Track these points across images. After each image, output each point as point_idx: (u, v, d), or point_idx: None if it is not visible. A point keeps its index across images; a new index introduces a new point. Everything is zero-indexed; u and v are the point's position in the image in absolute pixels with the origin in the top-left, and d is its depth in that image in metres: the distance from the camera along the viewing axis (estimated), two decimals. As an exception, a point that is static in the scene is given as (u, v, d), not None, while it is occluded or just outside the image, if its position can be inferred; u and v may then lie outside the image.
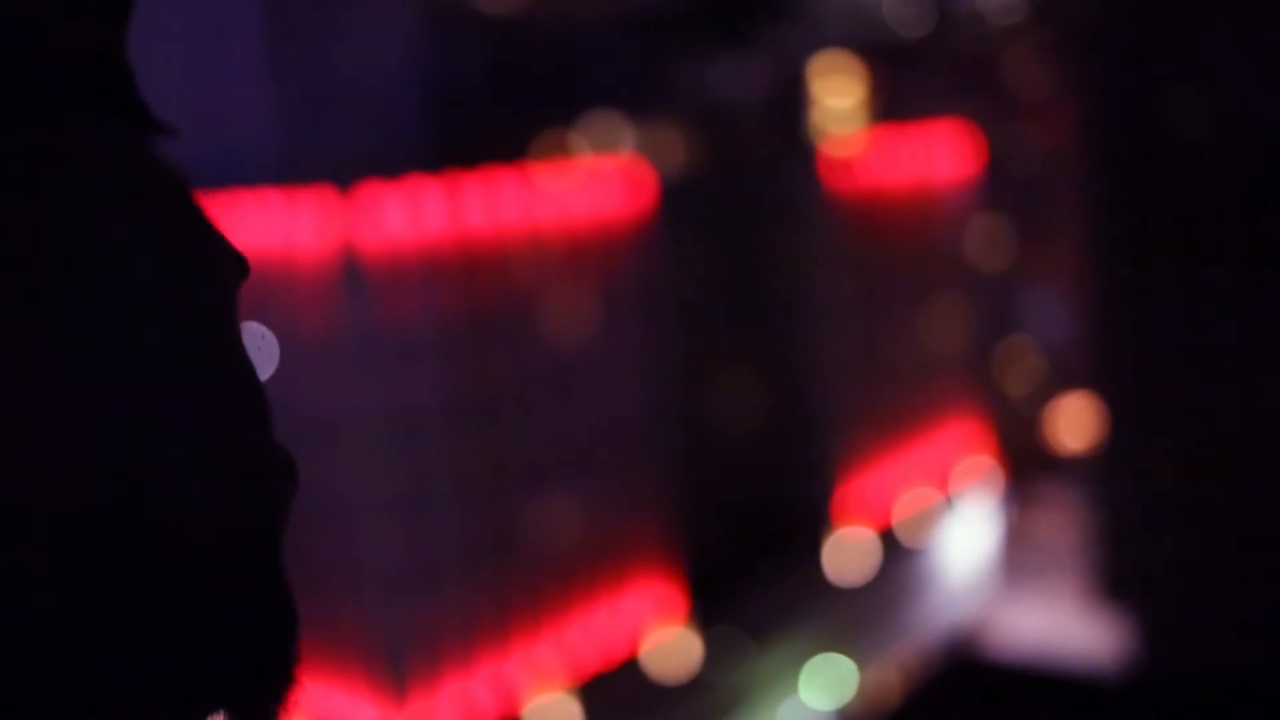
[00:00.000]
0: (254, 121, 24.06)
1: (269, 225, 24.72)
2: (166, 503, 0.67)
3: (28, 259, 0.65)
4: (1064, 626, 38.83)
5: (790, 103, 36.68)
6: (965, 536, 42.11)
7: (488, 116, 27.72)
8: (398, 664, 25.68)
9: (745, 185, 33.45)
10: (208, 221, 0.85)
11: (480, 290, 26.43)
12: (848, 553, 37.11)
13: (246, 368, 0.83)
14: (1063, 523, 44.39)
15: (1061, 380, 47.54)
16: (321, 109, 24.50)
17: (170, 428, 0.71)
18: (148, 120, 0.86)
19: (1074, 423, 45.99)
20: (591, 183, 28.72)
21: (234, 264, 0.87)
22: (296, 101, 24.48)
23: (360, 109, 24.92)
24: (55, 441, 0.64)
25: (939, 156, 40.89)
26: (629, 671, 29.84)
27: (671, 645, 30.84)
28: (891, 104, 40.27)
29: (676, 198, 30.45)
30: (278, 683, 0.78)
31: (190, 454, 0.72)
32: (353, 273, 24.43)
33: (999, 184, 45.52)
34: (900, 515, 39.19)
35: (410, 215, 25.29)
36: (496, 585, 27.10)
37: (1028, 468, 47.57)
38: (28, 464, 0.61)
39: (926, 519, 40.24)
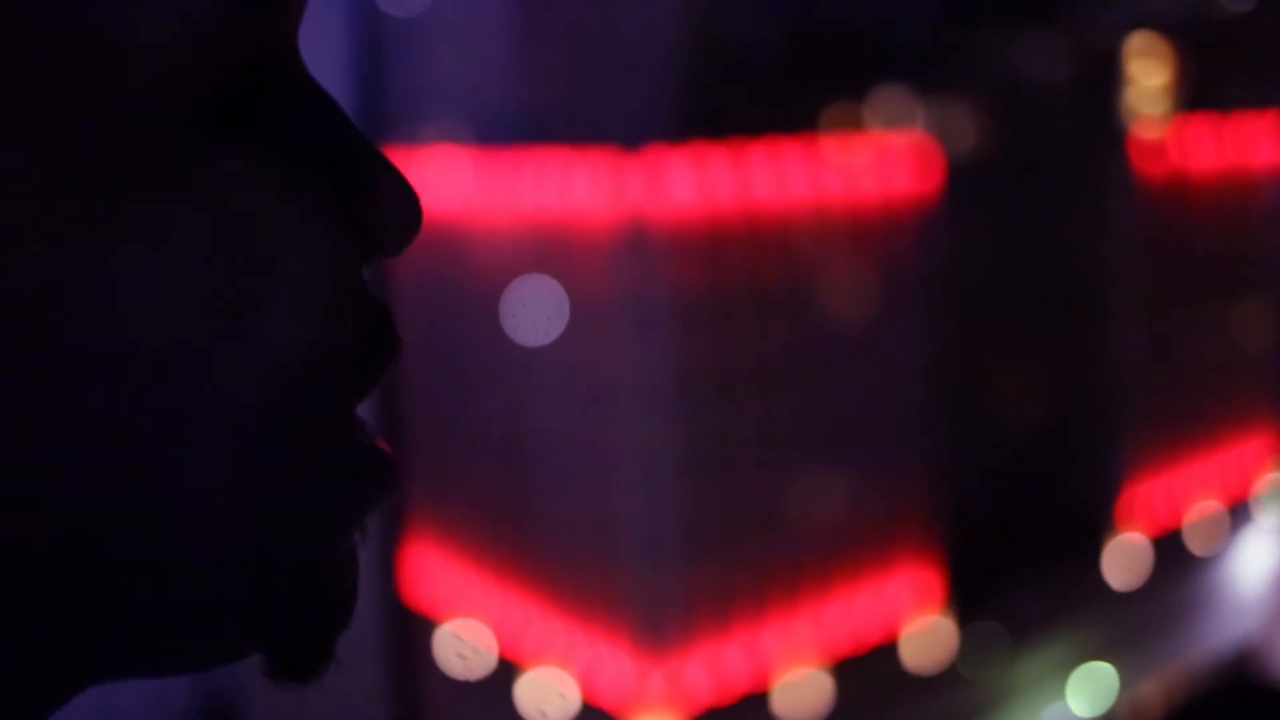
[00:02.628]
0: (518, 79, 24.38)
1: (550, 184, 25.28)
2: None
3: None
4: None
5: (1101, 83, 35.17)
6: (1255, 552, 39.92)
7: (777, 86, 27.57)
8: (656, 622, 26.06)
9: (1043, 168, 32.30)
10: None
11: (760, 261, 26.39)
12: (1128, 557, 35.72)
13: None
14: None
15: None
16: (593, 70, 24.67)
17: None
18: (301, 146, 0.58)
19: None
20: (878, 160, 28.24)
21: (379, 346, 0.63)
22: (568, 61, 24.77)
23: (633, 73, 25.02)
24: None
25: (1261, 146, 38.58)
26: (883, 656, 29.50)
27: (929, 635, 30.34)
28: (1212, 88, 38.17)
29: (966, 179, 29.67)
30: (326, 625, 0.66)
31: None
32: (638, 234, 24.75)
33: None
34: (1188, 523, 37.43)
35: (696, 181, 25.41)
36: (756, 556, 27.17)
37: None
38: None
39: (1215, 529, 38.29)
